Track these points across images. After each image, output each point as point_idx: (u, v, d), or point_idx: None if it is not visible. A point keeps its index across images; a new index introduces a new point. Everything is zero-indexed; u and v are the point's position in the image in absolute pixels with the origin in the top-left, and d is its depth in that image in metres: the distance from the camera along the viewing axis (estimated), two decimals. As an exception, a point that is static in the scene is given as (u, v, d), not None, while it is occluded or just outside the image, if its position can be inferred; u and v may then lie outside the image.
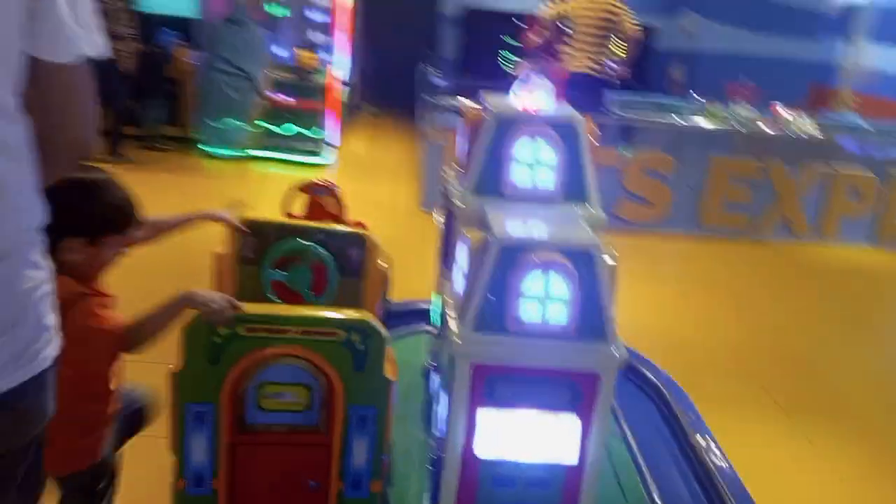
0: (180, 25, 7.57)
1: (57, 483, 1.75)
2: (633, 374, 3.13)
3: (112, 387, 1.72)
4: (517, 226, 1.80)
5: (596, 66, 6.55)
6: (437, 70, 8.60)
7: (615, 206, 6.17)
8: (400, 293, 3.19)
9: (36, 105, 1.20)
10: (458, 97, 7.26)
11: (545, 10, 6.99)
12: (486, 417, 1.70)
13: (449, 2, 10.58)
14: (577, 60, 6.60)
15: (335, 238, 1.97)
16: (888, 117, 7.46)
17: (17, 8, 1.09)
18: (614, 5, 6.43)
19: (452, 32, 10.72)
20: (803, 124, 6.87)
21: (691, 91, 7.80)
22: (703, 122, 7.05)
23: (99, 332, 1.53)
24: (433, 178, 5.99)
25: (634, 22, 6.40)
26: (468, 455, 1.73)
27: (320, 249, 1.90)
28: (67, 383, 1.58)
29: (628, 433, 2.66)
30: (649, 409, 2.95)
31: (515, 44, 8.59)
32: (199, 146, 7.23)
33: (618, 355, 1.73)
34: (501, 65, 9.95)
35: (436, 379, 2.28)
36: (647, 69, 10.17)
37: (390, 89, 10.33)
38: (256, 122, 7.12)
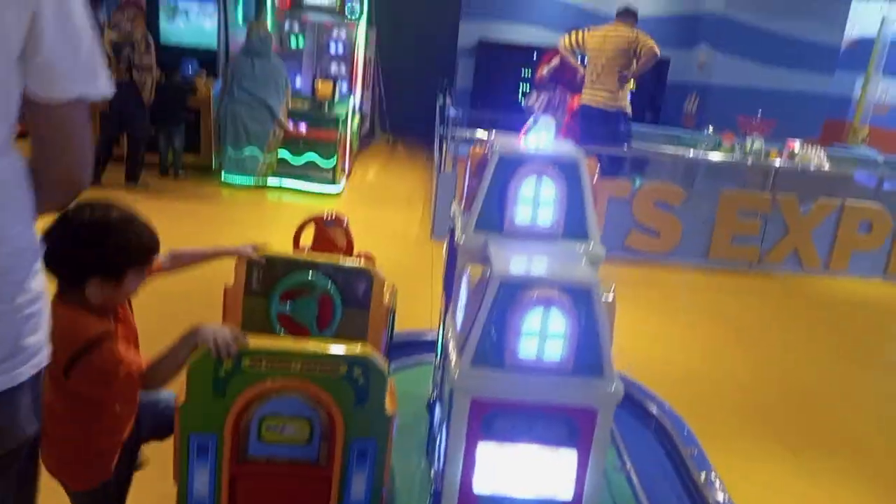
0: (202, 56, 7.77)
1: (70, 498, 1.80)
2: (637, 408, 3.14)
3: (126, 417, 1.78)
4: (517, 262, 1.83)
5: (611, 99, 6.60)
6: (453, 100, 8.72)
7: (625, 237, 6.20)
8: (408, 322, 3.24)
9: (33, 138, 1.25)
10: (473, 128, 7.40)
11: (560, 43, 7.09)
12: (484, 452, 1.72)
13: (465, 34, 10.75)
14: (592, 93, 6.67)
15: (341, 272, 2.02)
16: (902, 151, 7.47)
17: (13, 45, 1.12)
18: (630, 37, 6.49)
19: (468, 64, 10.89)
20: (816, 158, 6.89)
21: (707, 125, 7.88)
22: (715, 154, 7.10)
23: (119, 377, 1.59)
24: (445, 207, 6.07)
25: (651, 42, 6.45)
26: (466, 490, 1.75)
27: (327, 283, 1.95)
28: (85, 414, 1.64)
29: (630, 467, 2.66)
30: (652, 442, 2.96)
31: (529, 75, 8.71)
32: (218, 174, 7.36)
33: (615, 391, 1.76)
34: (516, 96, 10.09)
35: (438, 411, 2.31)
36: (660, 102, 10.28)
37: (406, 119, 10.49)
38: (275, 151, 7.25)
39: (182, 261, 1.99)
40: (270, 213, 6.62)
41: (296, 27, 8.09)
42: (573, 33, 6.83)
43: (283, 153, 7.30)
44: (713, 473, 2.68)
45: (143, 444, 1.93)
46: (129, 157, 6.86)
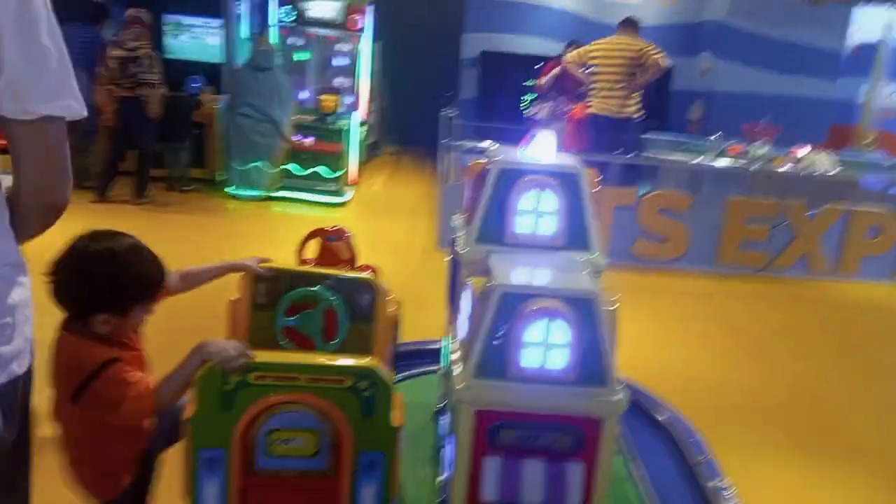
0: (207, 71, 7.84)
1: None
2: (646, 416, 3.14)
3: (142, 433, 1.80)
4: (518, 273, 1.85)
5: (617, 108, 6.62)
6: (457, 111, 8.77)
7: (631, 245, 6.21)
8: (415, 332, 3.25)
9: (11, 156, 1.27)
10: (478, 138, 7.43)
11: (567, 53, 7.11)
12: (490, 463, 1.73)
13: (468, 45, 10.81)
14: (601, 102, 6.69)
15: (345, 284, 2.04)
16: (908, 155, 7.45)
17: None
18: (636, 47, 6.52)
19: (472, 74, 10.93)
20: (823, 163, 6.88)
21: (712, 132, 7.88)
22: (720, 161, 7.10)
23: (129, 398, 1.61)
24: (450, 218, 6.08)
25: (658, 52, 6.47)
26: (472, 500, 1.76)
27: (331, 296, 1.97)
28: (99, 435, 1.66)
29: (639, 475, 2.66)
30: (662, 450, 2.95)
31: (532, 85, 8.74)
32: (224, 188, 7.41)
33: (620, 400, 1.76)
34: (519, 106, 10.12)
35: (445, 421, 2.32)
36: (665, 108, 10.29)
37: (411, 129, 10.54)
38: (280, 164, 7.30)
39: (192, 281, 2.01)
40: (277, 225, 6.66)
41: (300, 41, 8.15)
42: (579, 50, 6.88)
43: (289, 165, 7.36)
44: (723, 480, 2.67)
45: (163, 451, 1.95)
46: (136, 172, 6.92)
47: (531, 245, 2.07)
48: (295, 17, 7.92)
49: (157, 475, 1.92)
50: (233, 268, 2.04)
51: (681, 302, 5.62)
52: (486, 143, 6.64)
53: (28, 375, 1.36)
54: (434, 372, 3.02)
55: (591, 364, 1.74)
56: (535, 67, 8.41)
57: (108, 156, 6.90)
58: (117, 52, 6.63)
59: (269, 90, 7.17)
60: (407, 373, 3.11)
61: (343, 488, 1.65)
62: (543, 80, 7.65)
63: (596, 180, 2.23)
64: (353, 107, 8.17)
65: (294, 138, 7.32)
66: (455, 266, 2.26)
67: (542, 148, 2.20)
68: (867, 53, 9.93)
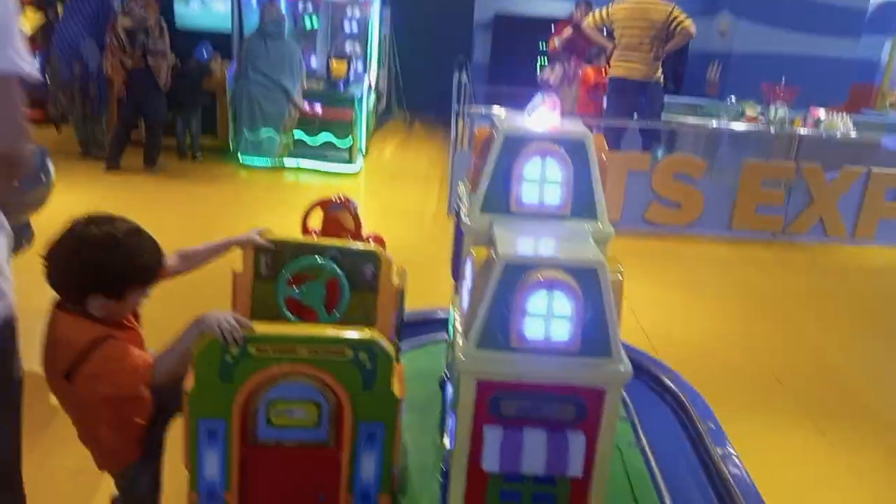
0: (216, 39, 7.78)
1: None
2: (654, 383, 3.12)
3: (138, 403, 1.82)
4: (522, 243, 1.82)
5: (648, 70, 6.50)
6: (470, 76, 8.65)
7: (645, 210, 6.14)
8: (425, 299, 3.25)
9: None
10: (490, 103, 7.33)
11: (577, 14, 6.97)
12: (491, 433, 1.73)
13: (480, 8, 10.63)
14: (626, 65, 6.57)
15: (348, 255, 2.02)
16: (930, 115, 7.28)
17: None
18: (663, 11, 6.36)
19: (484, 38, 10.77)
20: (842, 125, 6.74)
21: (731, 94, 7.73)
22: (737, 124, 6.97)
23: (124, 375, 1.62)
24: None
25: (687, 18, 6.33)
26: (474, 469, 1.76)
27: (334, 266, 1.96)
28: (99, 412, 1.68)
29: (646, 443, 2.65)
30: (669, 418, 2.94)
31: (545, 48, 8.60)
32: (235, 156, 7.41)
33: (623, 371, 1.75)
34: (533, 70, 9.96)
35: (450, 390, 2.32)
36: (682, 71, 10.09)
37: (423, 96, 10.43)
38: (291, 132, 7.27)
39: (192, 260, 2.01)
40: (288, 193, 6.65)
41: (309, 7, 8.05)
42: (598, 11, 6.72)
43: (299, 134, 7.32)
44: (730, 448, 2.66)
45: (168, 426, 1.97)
46: (147, 142, 6.93)
47: (537, 214, 2.04)
48: (304, -17, 7.81)
49: (164, 449, 1.94)
50: (233, 243, 2.03)
51: (694, 268, 5.58)
52: (497, 109, 6.57)
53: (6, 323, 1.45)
54: (441, 340, 3.02)
55: (595, 334, 1.72)
56: (551, 31, 8.26)
57: (119, 126, 6.90)
58: (126, 23, 6.60)
59: (278, 57, 7.11)
60: (414, 341, 3.12)
61: (343, 459, 1.66)
62: (556, 41, 7.52)
63: (604, 146, 2.17)
64: (364, 73, 8.08)
65: (304, 106, 7.27)
66: (459, 235, 2.24)
67: (549, 113, 2.16)
68: (892, 10, 9.65)
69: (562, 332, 1.70)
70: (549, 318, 1.70)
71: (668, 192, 6.15)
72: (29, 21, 7.70)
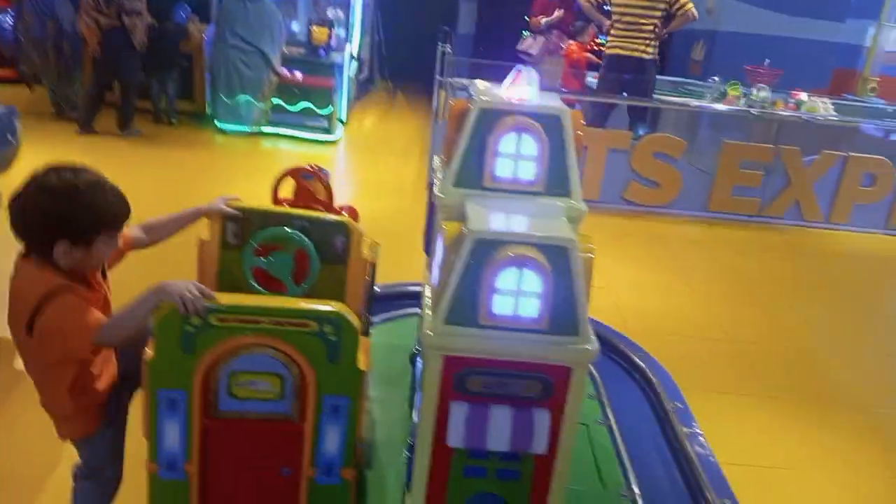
0: (194, 0, 7.59)
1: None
2: (625, 361, 3.14)
3: (100, 371, 1.78)
4: (493, 219, 1.80)
5: (646, 48, 6.46)
6: (454, 47, 8.55)
7: (623, 189, 6.15)
8: (401, 273, 3.23)
9: None
10: (474, 76, 7.25)
11: (583, 1, 6.88)
12: (456, 408, 1.72)
13: (466, -23, 10.48)
14: (624, 42, 6.51)
15: (318, 225, 1.99)
16: (911, 101, 7.33)
17: None
18: None
19: (470, 8, 10.63)
20: (822, 109, 6.77)
21: (714, 74, 7.71)
22: (719, 105, 6.97)
23: (72, 331, 1.59)
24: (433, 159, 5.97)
25: (691, 4, 6.30)
26: (439, 444, 1.76)
27: (303, 237, 1.92)
28: (55, 374, 1.64)
29: (613, 420, 2.68)
30: (637, 396, 2.97)
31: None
32: (212, 122, 7.28)
33: (590, 349, 1.74)
34: (518, 42, 9.87)
35: (420, 365, 2.31)
36: (666, 49, 10.04)
37: (405, 65, 10.30)
38: (269, 99, 7.15)
39: (158, 232, 1.97)
40: (265, 161, 6.56)
41: (291, -30, 7.87)
42: None
43: (278, 101, 7.21)
44: (696, 427, 2.69)
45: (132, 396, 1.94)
46: (121, 104, 6.79)
47: (510, 190, 2.01)
48: (286, -55, 7.63)
49: (126, 420, 1.91)
50: (200, 213, 1.98)
51: (670, 248, 5.61)
52: (478, 82, 6.48)
53: None
54: (414, 314, 3.01)
55: (563, 312, 1.71)
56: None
57: (93, 87, 6.75)
58: (101, -21, 6.42)
59: (258, 21, 6.96)
60: (386, 315, 3.10)
61: (307, 433, 1.65)
62: (542, 19, 7.43)
63: (581, 123, 2.15)
64: (346, 40, 7.95)
65: (285, 72, 7.14)
66: (432, 209, 2.21)
67: (526, 86, 2.12)
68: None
69: (530, 309, 1.69)
70: (518, 295, 1.68)
71: (647, 171, 6.15)
72: (0, -25, 7.47)
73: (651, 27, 6.33)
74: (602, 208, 5.76)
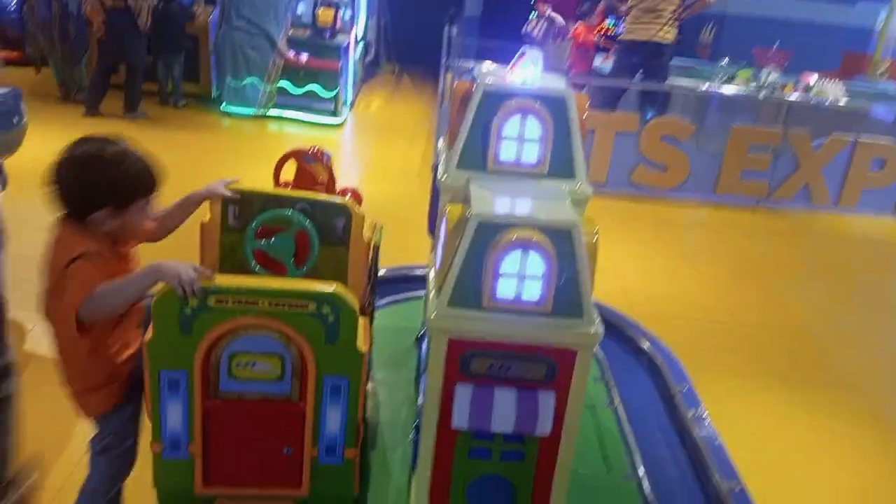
0: (200, -19, 7.56)
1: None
2: (630, 344, 3.13)
3: (120, 347, 1.77)
4: (497, 202, 1.79)
5: (665, 32, 6.41)
6: (460, 29, 8.49)
7: (631, 172, 6.11)
8: (407, 256, 3.22)
9: None
10: (481, 58, 7.19)
11: None
12: (461, 390, 1.72)
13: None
14: (644, 27, 6.45)
15: (319, 208, 1.97)
16: (922, 85, 7.23)
17: None
18: None
19: (476, -10, 10.54)
20: (832, 92, 6.69)
21: (723, 57, 7.64)
22: (728, 88, 6.90)
23: (70, 294, 1.61)
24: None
25: None
26: (444, 426, 1.76)
27: (303, 219, 1.91)
28: (74, 344, 1.65)
29: (619, 403, 2.67)
30: (644, 379, 2.96)
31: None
32: (218, 104, 7.26)
33: (595, 332, 1.73)
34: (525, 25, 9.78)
35: (425, 347, 2.31)
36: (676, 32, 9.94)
37: (411, 47, 10.24)
38: (275, 81, 7.12)
39: (168, 222, 1.98)
40: (271, 143, 6.55)
41: (296, -49, 7.81)
42: None
43: (284, 83, 7.17)
44: (702, 410, 2.68)
45: None
46: (127, 87, 6.77)
47: (514, 172, 2.00)
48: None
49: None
50: (201, 198, 1.98)
51: (677, 231, 5.58)
52: (487, 64, 6.44)
53: None
54: (419, 297, 3.01)
55: (568, 295, 1.70)
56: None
57: (99, 69, 6.73)
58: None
59: (263, 3, 6.92)
60: (392, 298, 3.10)
61: (308, 413, 1.65)
62: (547, 10, 7.37)
63: (586, 106, 2.12)
64: (352, 22, 7.90)
65: (291, 55, 7.11)
66: (436, 191, 2.20)
67: (530, 68, 2.10)
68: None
69: (534, 292, 1.68)
70: (522, 277, 1.67)
71: (655, 154, 6.10)
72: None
73: (671, 10, 6.28)
74: (609, 192, 5.72)
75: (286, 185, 2.21)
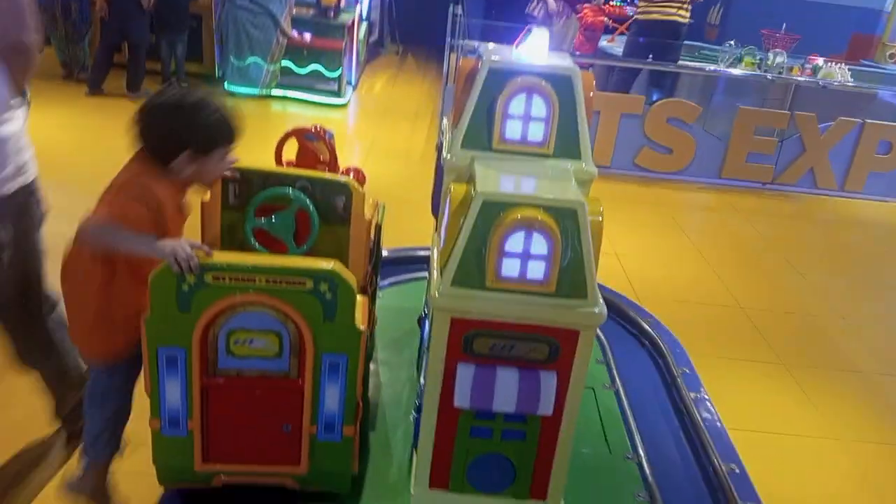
0: (202, -41, 7.48)
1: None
2: (633, 327, 3.12)
3: (132, 299, 1.76)
4: (502, 181, 1.77)
5: (684, 12, 6.36)
6: (466, 9, 8.41)
7: (636, 155, 6.07)
8: (410, 237, 3.21)
9: None
10: (486, 39, 7.12)
11: None
12: (463, 370, 1.71)
13: (478, -62, 10.26)
14: (663, 8, 6.41)
15: (319, 186, 1.96)
16: (931, 68, 7.16)
17: None
18: None
19: (482, -30, 10.43)
20: (839, 75, 6.63)
21: (730, 38, 7.56)
22: (734, 70, 6.84)
23: (104, 205, 1.67)
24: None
25: None
26: (445, 405, 1.75)
27: (303, 197, 1.90)
28: (88, 264, 1.71)
29: (620, 385, 2.67)
30: (645, 361, 2.95)
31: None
32: (221, 83, 7.22)
33: (598, 313, 1.72)
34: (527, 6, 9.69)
35: (428, 327, 2.30)
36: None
37: (416, 28, 10.16)
38: (279, 61, 7.07)
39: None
40: (275, 124, 6.50)
41: (300, -71, 7.73)
42: None
43: (287, 63, 7.12)
44: (703, 392, 2.68)
45: None
46: (130, 65, 6.73)
47: (519, 151, 1.97)
48: None
49: None
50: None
51: (682, 214, 5.55)
52: (492, 45, 6.37)
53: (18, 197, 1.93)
54: (422, 278, 3.00)
55: (571, 276, 1.68)
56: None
57: (101, 48, 6.69)
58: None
59: (267, -19, 6.85)
60: (395, 278, 3.09)
61: (306, 390, 1.64)
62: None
63: (593, 85, 2.10)
64: (356, 1, 7.83)
65: (294, 34, 7.05)
66: (440, 171, 2.18)
67: (536, 47, 2.07)
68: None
69: (538, 272, 1.67)
70: (525, 257, 1.66)
71: (660, 137, 6.06)
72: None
73: None
74: (614, 174, 5.69)
75: (289, 164, 2.19)
